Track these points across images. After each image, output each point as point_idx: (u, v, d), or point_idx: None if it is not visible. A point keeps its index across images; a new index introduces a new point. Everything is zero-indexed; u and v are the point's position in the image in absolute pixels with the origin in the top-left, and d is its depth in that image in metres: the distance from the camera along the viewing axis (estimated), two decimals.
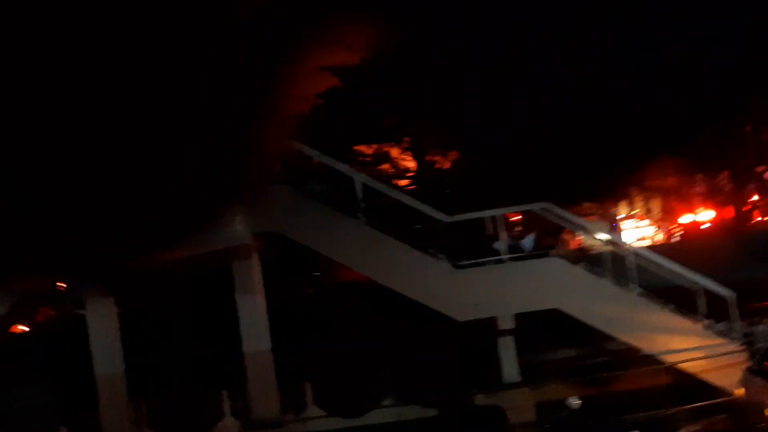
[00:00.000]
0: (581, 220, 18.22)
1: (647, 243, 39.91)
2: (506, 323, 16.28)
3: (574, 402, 13.96)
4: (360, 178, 16.48)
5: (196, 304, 17.46)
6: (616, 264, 16.62)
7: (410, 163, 30.34)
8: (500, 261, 16.29)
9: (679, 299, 16.22)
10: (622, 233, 38.93)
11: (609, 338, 17.43)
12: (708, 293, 15.97)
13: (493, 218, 16.79)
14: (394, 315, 18.42)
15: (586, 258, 17.10)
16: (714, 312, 16.15)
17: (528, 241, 17.19)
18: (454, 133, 31.21)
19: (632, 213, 41.96)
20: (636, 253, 16.39)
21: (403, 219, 17.80)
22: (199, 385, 16.65)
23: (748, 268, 18.65)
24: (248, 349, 16.14)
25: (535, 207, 16.75)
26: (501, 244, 16.83)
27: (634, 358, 16.78)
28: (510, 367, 16.76)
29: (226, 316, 16.78)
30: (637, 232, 41.59)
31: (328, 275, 23.48)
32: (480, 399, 16.98)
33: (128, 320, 15.73)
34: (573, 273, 16.18)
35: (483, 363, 17.44)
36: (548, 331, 18.27)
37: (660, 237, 41.89)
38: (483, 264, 16.34)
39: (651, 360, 16.09)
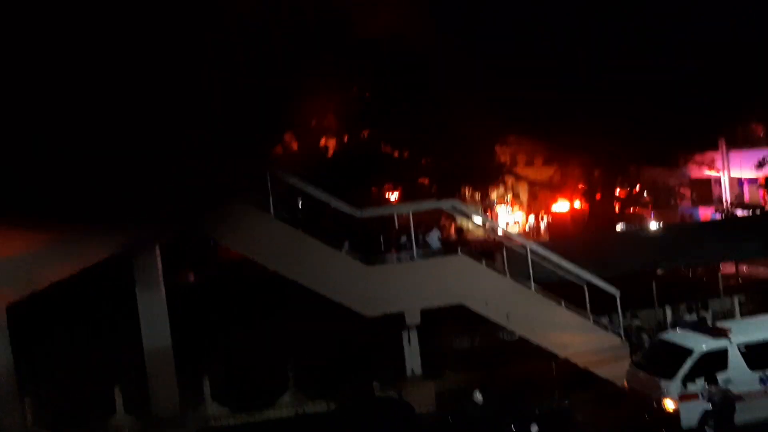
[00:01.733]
0: (485, 217, 18.83)
1: (517, 228, 42.20)
2: (412, 318, 16.63)
3: (478, 396, 14.62)
4: (271, 171, 16.08)
5: (92, 297, 16.46)
6: (512, 260, 17.49)
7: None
8: (410, 257, 16.55)
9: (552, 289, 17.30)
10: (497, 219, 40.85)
11: (504, 330, 18.46)
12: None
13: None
14: (298, 308, 18.36)
15: (487, 254, 17.74)
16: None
17: (434, 237, 17.60)
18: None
19: (503, 199, 44.01)
20: (533, 250, 17.18)
21: (313, 213, 17.65)
22: (92, 381, 15.80)
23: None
24: (149, 346, 15.41)
25: (444, 204, 17.13)
26: (403, 239, 17.19)
27: (527, 350, 17.83)
28: (413, 361, 17.18)
29: (123, 310, 15.96)
30: (509, 217, 43.78)
31: (223, 267, 22.90)
32: (383, 391, 17.35)
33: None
34: (477, 270, 16.77)
35: (386, 356, 17.82)
36: (445, 322, 19.01)
37: (530, 223, 44.34)
38: (392, 261, 16.53)
39: (544, 352, 17.09)
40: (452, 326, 19.53)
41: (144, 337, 15.46)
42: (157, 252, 15.54)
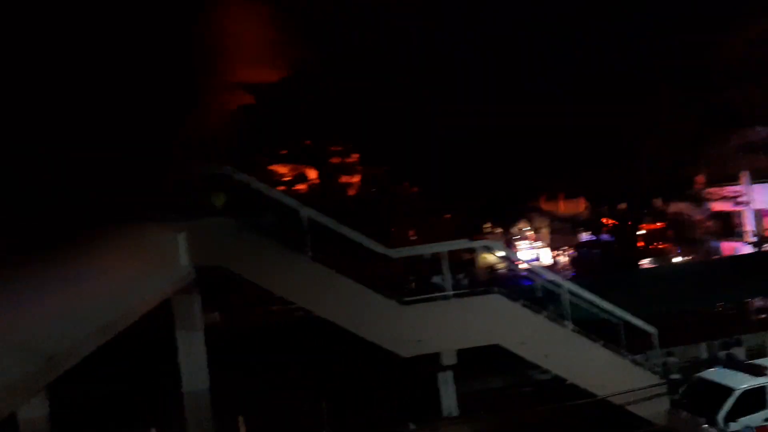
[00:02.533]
0: (517, 257, 18.84)
1: (541, 262, 42.08)
2: (449, 359, 16.58)
3: None
4: (306, 212, 16.21)
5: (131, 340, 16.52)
6: (548, 297, 17.46)
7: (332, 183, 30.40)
8: (445, 297, 16.55)
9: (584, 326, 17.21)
10: (518, 253, 40.80)
11: (537, 368, 18.36)
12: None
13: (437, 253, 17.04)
14: (331, 346, 18.36)
15: (523, 293, 17.71)
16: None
17: (464, 277, 17.63)
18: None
19: (525, 234, 43.98)
20: (570, 290, 17.14)
21: (345, 251, 17.74)
22: (130, 423, 15.81)
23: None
24: (188, 388, 15.45)
25: (478, 245, 17.16)
26: (438, 278, 17.20)
27: (562, 389, 17.69)
28: (449, 401, 17.07)
29: (162, 352, 16.04)
30: (531, 252, 43.69)
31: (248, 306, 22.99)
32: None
33: None
34: (513, 309, 16.71)
35: (421, 395, 17.72)
36: (476, 361, 18.91)
37: (550, 257, 44.22)
38: (427, 300, 16.54)
39: (580, 391, 16.94)
40: (484, 364, 19.43)
41: (183, 379, 15.50)
42: (197, 293, 15.66)
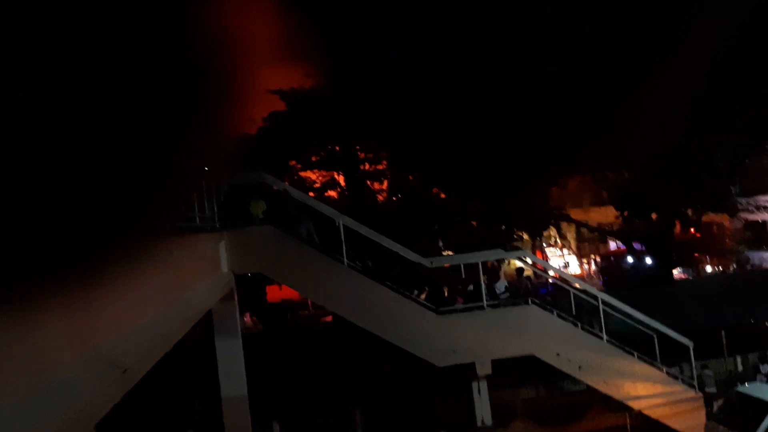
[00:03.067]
0: (553, 267, 18.85)
1: (570, 270, 41.89)
2: (483, 369, 16.63)
3: None
4: (344, 221, 16.38)
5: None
6: (580, 308, 17.46)
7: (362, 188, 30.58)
8: (480, 308, 16.62)
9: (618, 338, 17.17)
10: (548, 261, 40.66)
11: (568, 378, 18.37)
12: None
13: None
14: (364, 352, 18.51)
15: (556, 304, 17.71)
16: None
17: (500, 286, 17.66)
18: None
19: (553, 242, 43.83)
20: (605, 301, 17.11)
21: (378, 260, 17.89)
22: (168, 429, 16.10)
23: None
24: (226, 394, 15.66)
25: (512, 255, 17.20)
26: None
27: (595, 400, 17.67)
28: (483, 411, 17.11)
29: (199, 358, 16.29)
30: (558, 259, 43.55)
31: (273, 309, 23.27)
32: None
33: None
34: (549, 321, 16.74)
35: (454, 404, 17.79)
36: (508, 370, 18.94)
37: (580, 264, 44.01)
38: (464, 310, 16.62)
39: (613, 402, 16.90)
40: (516, 374, 19.45)
41: (222, 386, 15.70)
42: (236, 299, 15.88)
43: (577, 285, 18.18)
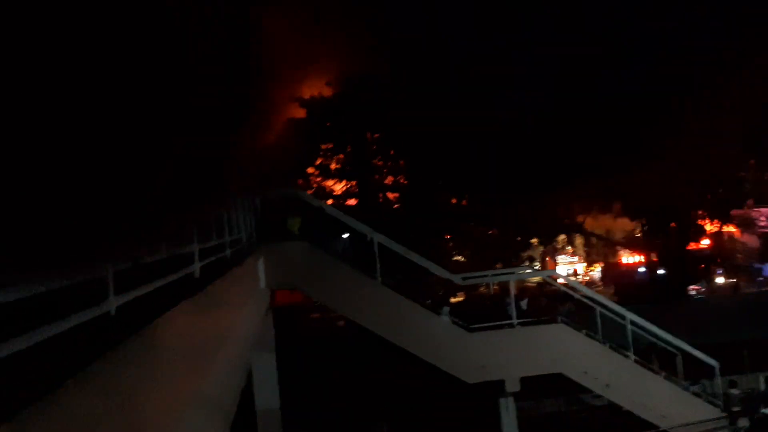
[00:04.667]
0: (580, 287, 19.07)
1: (580, 278, 42.16)
2: (512, 386, 16.85)
3: None
4: (377, 238, 16.57)
5: None
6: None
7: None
8: (510, 325, 16.83)
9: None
10: (557, 268, 40.93)
11: (590, 393, 18.62)
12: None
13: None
14: (394, 368, 18.73)
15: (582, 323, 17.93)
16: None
17: (524, 303, 17.87)
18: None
19: (563, 249, 44.11)
20: (632, 321, 17.34)
21: (408, 276, 18.10)
22: None
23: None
24: (260, 407, 15.89)
25: (543, 274, 17.41)
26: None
27: (617, 414, 17.90)
28: (510, 427, 17.34)
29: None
30: (569, 267, 43.81)
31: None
32: None
33: None
34: (576, 339, 16.95)
35: (481, 419, 18.01)
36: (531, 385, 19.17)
37: (587, 272, 44.27)
38: (493, 328, 16.83)
39: (641, 421, 17.12)
40: (539, 387, 19.67)
41: (256, 399, 15.93)
42: (271, 315, 16.09)
43: (604, 302, 18.38)
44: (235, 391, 6.87)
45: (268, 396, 16.01)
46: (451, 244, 34.25)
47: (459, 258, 33.60)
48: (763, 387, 19.23)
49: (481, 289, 19.24)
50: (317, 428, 18.03)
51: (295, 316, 28.47)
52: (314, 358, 20.03)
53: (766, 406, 16.64)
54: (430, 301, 17.02)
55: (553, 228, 36.09)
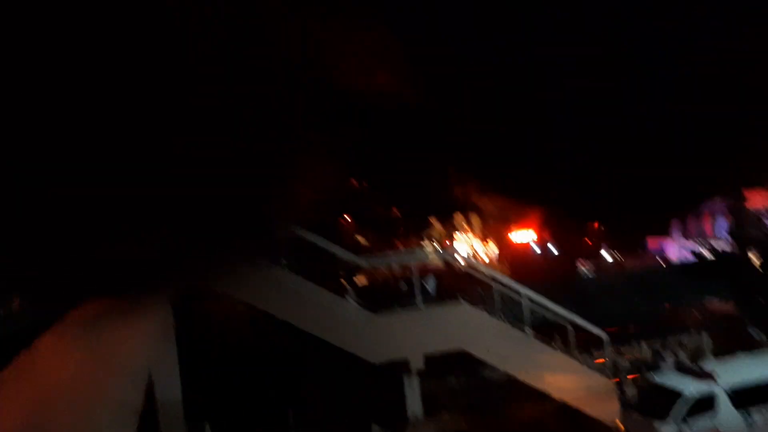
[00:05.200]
0: (480, 266, 19.62)
1: (476, 257, 43.34)
2: (417, 364, 17.21)
3: None
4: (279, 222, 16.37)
5: None
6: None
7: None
8: (414, 306, 17.13)
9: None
10: (455, 246, 41.94)
11: (487, 368, 19.35)
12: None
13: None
14: (298, 353, 18.66)
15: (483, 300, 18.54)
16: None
17: (431, 283, 18.28)
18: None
19: (461, 229, 45.20)
20: (529, 297, 18.06)
21: (315, 260, 18.05)
22: None
23: None
24: (161, 399, 15.45)
25: (443, 255, 17.81)
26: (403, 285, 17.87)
27: (515, 388, 18.67)
28: (414, 404, 17.71)
29: None
30: (466, 247, 44.96)
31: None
32: None
33: None
34: (477, 317, 17.49)
35: (386, 399, 18.29)
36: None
37: (487, 252, 45.60)
38: (398, 309, 17.09)
39: (533, 390, 17.93)
40: (442, 364, 20.19)
41: (156, 391, 15.45)
42: (170, 306, 15.60)
43: (502, 280, 19.03)
44: (139, 388, 6.66)
45: (168, 388, 15.59)
46: (352, 227, 34.44)
47: (361, 240, 33.83)
48: (648, 356, 20.51)
49: (384, 270, 19.43)
50: (222, 419, 17.73)
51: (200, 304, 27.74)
52: (219, 347, 19.66)
53: (649, 374, 17.75)
54: (336, 284, 16.99)
55: (451, 207, 36.87)
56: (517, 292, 18.21)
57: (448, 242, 43.53)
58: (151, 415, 15.59)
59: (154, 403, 15.60)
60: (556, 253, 31.30)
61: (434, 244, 36.38)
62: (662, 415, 15.20)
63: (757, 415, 15.27)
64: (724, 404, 15.23)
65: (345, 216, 33.24)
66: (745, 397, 15.38)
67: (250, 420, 17.91)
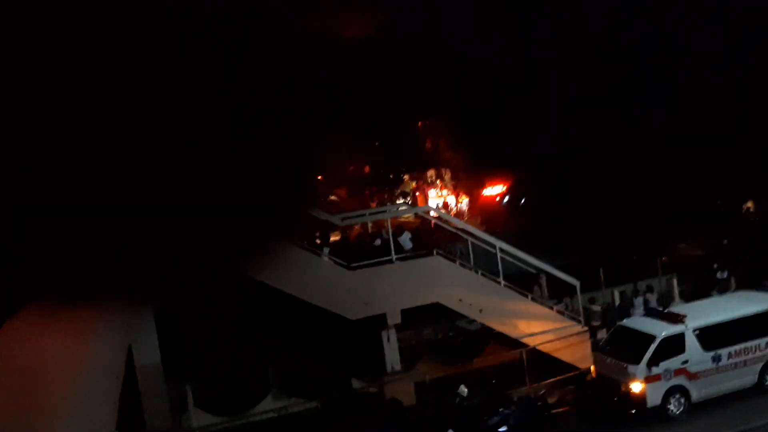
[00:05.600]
0: (453, 220, 19.77)
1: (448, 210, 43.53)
2: (393, 318, 17.44)
3: (464, 389, 15.72)
4: None
5: None
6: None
7: None
8: (389, 261, 17.26)
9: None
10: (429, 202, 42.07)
11: (463, 319, 19.71)
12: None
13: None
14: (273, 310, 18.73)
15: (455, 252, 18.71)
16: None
17: (405, 239, 18.36)
18: None
19: (433, 184, 45.26)
20: (501, 248, 18.29)
21: None
22: None
23: None
24: (140, 363, 15.50)
25: (417, 210, 17.90)
26: (377, 241, 17.96)
27: (491, 338, 19.07)
28: (392, 357, 18.01)
29: None
30: (438, 200, 45.10)
31: None
32: (363, 387, 18.17)
33: None
34: (452, 269, 17.72)
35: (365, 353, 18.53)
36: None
37: (459, 204, 45.80)
38: (373, 264, 17.20)
39: (508, 339, 18.32)
40: (418, 317, 20.46)
41: (135, 355, 15.48)
42: None
43: (475, 232, 19.23)
44: (119, 355, 6.68)
45: (147, 352, 15.64)
46: (324, 184, 34.29)
47: (333, 198, 33.69)
48: (618, 301, 20.96)
49: (356, 227, 19.47)
50: (202, 379, 17.85)
51: None
52: (196, 309, 19.67)
53: (620, 319, 18.18)
54: (311, 242, 17.01)
55: (424, 163, 36.89)
56: (490, 244, 18.43)
57: (421, 197, 43.67)
58: (133, 380, 15.68)
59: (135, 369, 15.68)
60: (525, 201, 31.55)
61: (408, 200, 36.45)
62: (633, 358, 15.63)
63: (724, 355, 15.80)
64: (693, 346, 15.70)
65: (317, 174, 33.05)
66: (712, 338, 15.88)
67: (230, 379, 18.05)
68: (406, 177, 35.41)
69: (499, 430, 15.00)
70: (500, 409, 15.60)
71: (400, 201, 28.14)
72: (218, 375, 18.24)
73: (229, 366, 18.30)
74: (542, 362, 18.02)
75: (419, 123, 36.00)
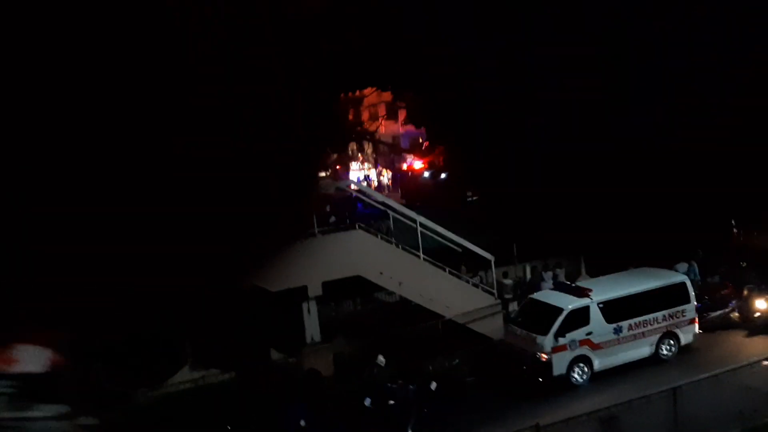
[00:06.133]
0: (377, 195, 20.08)
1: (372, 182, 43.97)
2: (314, 291, 17.67)
3: (381, 359, 16.16)
4: None
5: None
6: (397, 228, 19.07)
7: None
8: (312, 234, 17.43)
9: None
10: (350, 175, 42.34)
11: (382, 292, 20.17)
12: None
13: None
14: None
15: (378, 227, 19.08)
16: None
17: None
18: None
19: (355, 157, 45.61)
20: (422, 224, 18.76)
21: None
22: None
23: None
24: None
25: (341, 184, 18.19)
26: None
27: (408, 311, 19.58)
28: (312, 329, 18.27)
29: None
30: (359, 173, 45.52)
31: None
32: (281, 358, 18.39)
33: None
34: (373, 243, 18.06)
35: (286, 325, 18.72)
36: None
37: (380, 179, 46.32)
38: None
39: (425, 312, 18.87)
40: (336, 291, 20.76)
41: None
42: None
43: (396, 207, 19.64)
44: None
45: None
46: None
47: None
48: (529, 275, 21.89)
49: None
50: (115, 355, 17.53)
51: None
52: None
53: (531, 292, 19.03)
54: None
55: (346, 137, 36.93)
56: (410, 219, 18.88)
57: (342, 170, 43.91)
58: None
59: None
60: (445, 178, 32.24)
61: (328, 173, 36.56)
62: (542, 329, 16.46)
63: (625, 327, 16.86)
64: (596, 318, 16.66)
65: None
66: (614, 311, 16.89)
67: (144, 354, 17.84)
68: (328, 150, 35.50)
69: (389, 402, 15.13)
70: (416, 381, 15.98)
71: (323, 174, 28.20)
72: (133, 350, 18.01)
73: (143, 340, 18.11)
74: (457, 333, 18.71)
75: (341, 95, 35.99)
